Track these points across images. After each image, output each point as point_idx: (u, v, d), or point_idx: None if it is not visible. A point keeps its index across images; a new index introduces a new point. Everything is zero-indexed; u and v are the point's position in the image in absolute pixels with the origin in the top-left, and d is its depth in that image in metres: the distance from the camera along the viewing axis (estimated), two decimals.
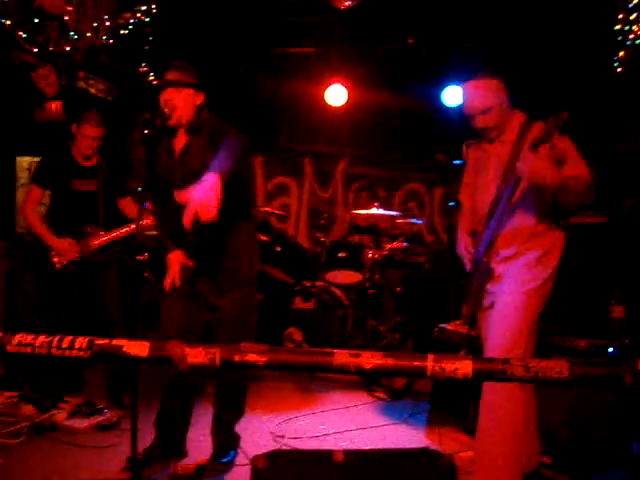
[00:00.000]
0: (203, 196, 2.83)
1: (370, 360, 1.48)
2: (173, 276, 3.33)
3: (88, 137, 4.42)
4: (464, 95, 3.20)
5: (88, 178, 4.50)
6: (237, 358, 1.51)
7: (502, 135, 3.17)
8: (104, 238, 4.47)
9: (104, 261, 4.51)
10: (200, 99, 3.31)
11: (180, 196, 3.22)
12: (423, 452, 1.99)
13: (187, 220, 2.90)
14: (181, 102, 3.25)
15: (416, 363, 1.49)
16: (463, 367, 1.47)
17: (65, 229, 4.42)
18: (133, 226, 4.48)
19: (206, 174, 2.88)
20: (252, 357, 1.51)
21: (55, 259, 4.41)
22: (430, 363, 1.48)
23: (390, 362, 1.48)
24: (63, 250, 4.39)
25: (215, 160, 2.96)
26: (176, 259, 3.36)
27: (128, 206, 4.64)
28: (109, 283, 4.55)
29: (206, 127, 3.31)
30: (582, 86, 6.23)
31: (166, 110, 3.23)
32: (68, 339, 1.64)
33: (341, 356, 1.48)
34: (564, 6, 6.07)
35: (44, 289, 4.59)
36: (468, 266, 3.32)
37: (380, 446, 3.83)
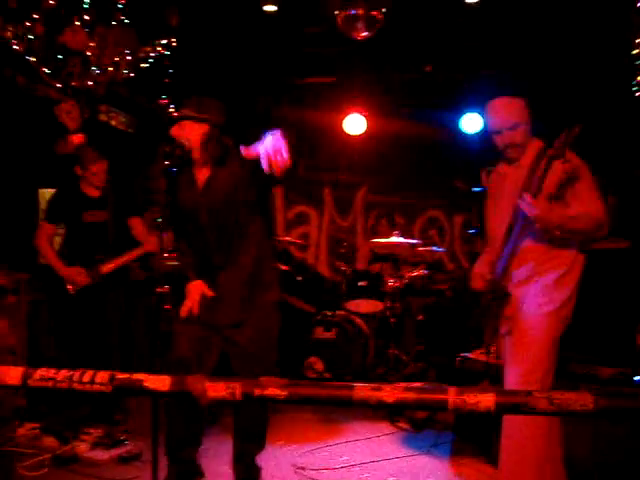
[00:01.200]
0: (275, 144, 2.81)
1: (391, 394, 1.46)
2: (191, 304, 3.34)
3: (98, 174, 4.64)
4: (492, 111, 3.21)
5: (97, 209, 4.67)
6: (257, 392, 1.51)
7: (520, 159, 3.18)
8: (112, 264, 4.64)
9: (113, 286, 4.68)
10: (204, 129, 3.33)
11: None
12: None
13: (183, 310, 3.09)
14: (182, 134, 3.31)
15: (437, 396, 1.47)
16: (485, 400, 1.45)
17: (78, 258, 4.61)
18: (139, 251, 4.73)
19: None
20: (272, 391, 1.50)
21: (69, 286, 4.60)
22: (452, 396, 1.46)
23: (411, 396, 1.46)
24: (73, 277, 4.57)
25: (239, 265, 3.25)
26: (197, 288, 3.37)
27: (137, 226, 4.82)
28: (115, 308, 4.71)
29: (229, 159, 3.34)
30: (600, 112, 6.21)
31: (185, 143, 3.28)
32: (89, 374, 1.65)
33: (362, 390, 1.47)
34: (581, 32, 6.08)
35: (60, 315, 4.75)
36: (475, 284, 3.30)
37: (403, 478, 3.79)
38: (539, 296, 3.03)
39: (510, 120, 3.11)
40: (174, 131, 3.32)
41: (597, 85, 6.34)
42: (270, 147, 2.82)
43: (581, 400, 1.42)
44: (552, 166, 2.85)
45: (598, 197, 2.98)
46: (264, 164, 2.84)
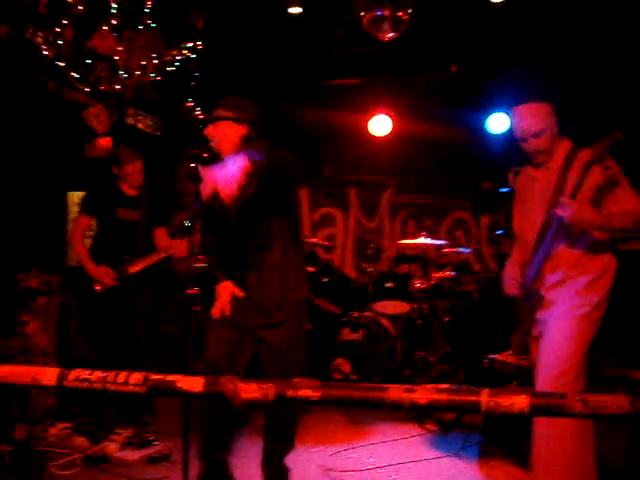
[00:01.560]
0: (226, 171, 2.94)
1: (424, 395, 1.46)
2: (223, 305, 3.35)
3: (134, 174, 4.68)
4: (517, 117, 3.19)
5: (131, 208, 4.71)
6: (290, 393, 1.51)
7: (549, 162, 3.15)
8: (139, 265, 4.65)
9: (139, 287, 4.68)
10: (242, 131, 3.35)
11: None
12: None
13: (205, 191, 3.04)
14: (217, 135, 3.31)
15: (471, 398, 1.46)
16: (519, 402, 1.44)
17: (108, 256, 4.64)
18: (163, 253, 4.72)
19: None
20: (305, 392, 1.50)
21: (97, 286, 4.62)
22: (485, 398, 1.45)
23: (444, 397, 1.46)
24: (100, 277, 4.59)
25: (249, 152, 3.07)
26: (227, 289, 3.38)
27: (160, 237, 4.81)
28: (141, 308, 4.71)
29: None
30: (634, 112, 6.13)
31: (213, 144, 3.29)
32: (124, 374, 1.66)
33: (395, 391, 1.46)
34: (612, 29, 6.01)
35: (88, 315, 4.83)
36: (513, 294, 3.29)
37: None
38: (572, 299, 3.01)
39: (535, 127, 3.08)
40: (209, 131, 3.32)
41: (629, 85, 6.26)
42: (222, 176, 2.90)
43: (617, 402, 1.41)
44: (590, 171, 2.83)
45: (635, 194, 2.95)
46: (207, 186, 2.97)
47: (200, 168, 3.25)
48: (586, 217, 2.85)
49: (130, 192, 4.74)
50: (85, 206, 4.80)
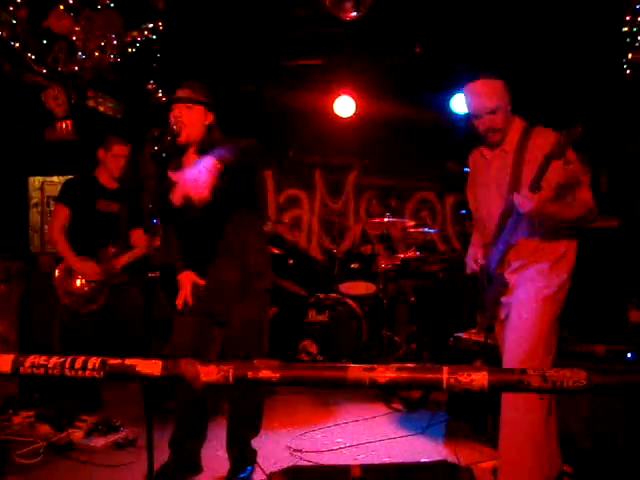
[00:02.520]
0: (196, 175, 2.85)
1: (384, 374, 1.46)
2: (185, 295, 3.34)
3: (119, 156, 4.59)
4: (470, 95, 3.12)
5: (111, 200, 4.61)
6: (250, 375, 1.50)
7: (503, 143, 3.12)
8: (125, 258, 4.56)
9: (127, 281, 4.62)
10: (210, 118, 3.32)
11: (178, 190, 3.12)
12: (442, 465, 1.96)
13: (176, 198, 2.96)
14: (190, 120, 3.25)
15: (431, 375, 1.46)
16: (479, 379, 1.44)
17: (85, 249, 4.52)
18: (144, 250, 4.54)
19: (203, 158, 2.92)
20: (265, 373, 1.49)
21: (77, 280, 4.48)
22: (445, 375, 1.45)
23: (405, 375, 1.46)
24: (84, 271, 4.48)
25: (215, 150, 2.99)
26: (187, 278, 3.36)
27: (139, 235, 4.66)
28: (133, 301, 4.61)
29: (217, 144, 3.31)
30: (591, 90, 6.19)
31: (175, 127, 3.22)
32: (81, 359, 1.63)
33: (355, 370, 1.46)
34: (571, 8, 6.04)
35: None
36: (469, 269, 3.31)
37: (398, 458, 3.80)
38: (536, 281, 3.03)
39: (490, 104, 3.02)
40: (180, 113, 3.25)
41: (587, 63, 6.30)
42: (191, 177, 2.86)
43: (574, 377, 1.42)
44: (551, 165, 2.76)
45: (588, 186, 2.96)
46: (178, 190, 2.94)
47: (169, 172, 3.21)
48: (546, 211, 2.84)
49: (110, 184, 4.65)
50: (63, 196, 4.65)
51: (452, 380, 1.45)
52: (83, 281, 4.50)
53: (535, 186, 2.79)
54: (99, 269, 4.50)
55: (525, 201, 2.80)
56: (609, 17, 5.79)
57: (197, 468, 3.53)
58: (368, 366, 1.47)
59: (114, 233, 4.56)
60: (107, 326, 4.63)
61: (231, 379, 1.50)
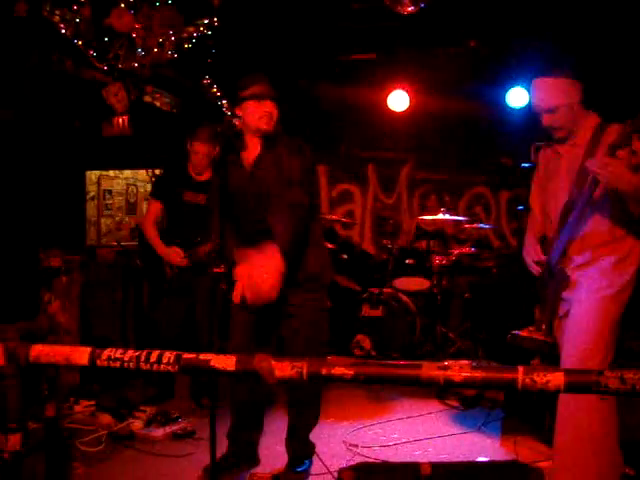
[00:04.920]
0: (257, 278, 2.91)
1: (459, 373, 1.45)
2: (241, 289, 3.35)
3: (198, 153, 4.65)
4: (533, 92, 3.11)
5: (199, 192, 4.71)
6: (324, 371, 1.51)
7: (574, 138, 3.07)
8: (208, 246, 4.61)
9: (203, 270, 4.64)
10: (277, 109, 3.34)
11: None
12: (512, 465, 1.94)
13: (235, 296, 3.03)
14: (276, 114, 3.30)
15: (506, 375, 1.45)
16: (555, 379, 1.43)
17: (175, 239, 4.72)
18: None
19: (266, 245, 2.96)
20: (339, 370, 1.50)
21: (167, 268, 4.76)
22: (521, 375, 1.44)
23: (480, 375, 1.45)
24: (170, 257, 4.68)
25: (276, 235, 3.04)
26: (244, 272, 3.38)
27: None
28: (205, 293, 4.64)
29: (279, 141, 3.33)
30: None
31: (262, 123, 3.26)
32: (156, 353, 1.67)
33: (429, 369, 1.46)
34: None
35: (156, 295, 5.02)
36: (535, 271, 3.25)
37: (455, 455, 3.78)
38: (598, 280, 2.97)
39: (547, 103, 3.00)
40: (272, 108, 3.27)
41: None
42: (253, 278, 2.93)
43: None
44: (616, 156, 2.71)
45: None
46: (238, 288, 3.00)
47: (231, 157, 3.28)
48: (623, 177, 2.70)
49: (198, 176, 4.75)
50: (153, 191, 4.99)
51: (528, 380, 1.43)
52: (172, 268, 4.75)
53: (614, 149, 2.72)
54: (183, 254, 4.67)
55: (602, 164, 2.72)
56: None
57: (255, 459, 3.57)
58: (442, 364, 1.46)
59: (201, 223, 4.60)
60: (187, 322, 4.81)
61: (305, 375, 1.52)
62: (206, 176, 4.72)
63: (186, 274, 4.70)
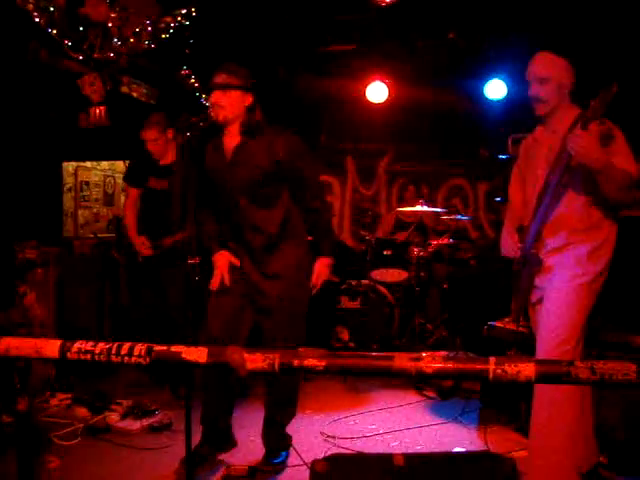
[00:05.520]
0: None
1: (431, 364, 1.46)
2: (221, 275, 3.35)
3: (148, 141, 4.68)
4: (530, 60, 3.16)
5: (162, 177, 4.73)
6: (296, 363, 1.51)
7: (554, 124, 3.12)
8: (177, 237, 4.64)
9: (172, 260, 4.68)
10: (249, 100, 3.30)
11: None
12: (485, 455, 1.95)
13: (213, 283, 3.37)
14: (229, 103, 3.24)
15: (478, 366, 1.46)
16: (526, 370, 1.44)
17: (145, 227, 4.79)
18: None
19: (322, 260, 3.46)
20: (311, 362, 1.50)
21: (138, 256, 4.81)
22: (492, 366, 1.45)
23: (451, 366, 1.45)
24: (137, 246, 4.74)
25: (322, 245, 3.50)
26: (223, 259, 3.38)
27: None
28: (175, 281, 4.66)
29: (260, 130, 3.31)
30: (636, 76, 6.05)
31: (213, 112, 3.23)
32: (127, 346, 1.66)
33: (401, 360, 1.46)
34: None
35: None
36: (514, 260, 3.27)
37: (431, 446, 3.80)
38: (572, 268, 3.00)
39: (540, 72, 3.07)
40: (218, 98, 3.24)
41: (632, 48, 6.14)
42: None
43: (624, 370, 1.41)
44: (588, 129, 2.79)
45: (630, 153, 2.93)
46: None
47: (208, 156, 3.37)
48: (593, 151, 2.79)
49: (162, 161, 4.75)
50: (126, 177, 5.04)
51: (499, 371, 1.44)
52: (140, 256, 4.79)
53: (586, 122, 2.81)
54: (149, 244, 4.71)
55: (576, 137, 2.80)
56: None
57: (231, 442, 3.56)
58: (415, 355, 1.47)
59: (166, 210, 4.64)
60: (159, 307, 4.81)
61: (277, 367, 1.52)
62: (168, 160, 4.74)
63: (153, 263, 4.74)
